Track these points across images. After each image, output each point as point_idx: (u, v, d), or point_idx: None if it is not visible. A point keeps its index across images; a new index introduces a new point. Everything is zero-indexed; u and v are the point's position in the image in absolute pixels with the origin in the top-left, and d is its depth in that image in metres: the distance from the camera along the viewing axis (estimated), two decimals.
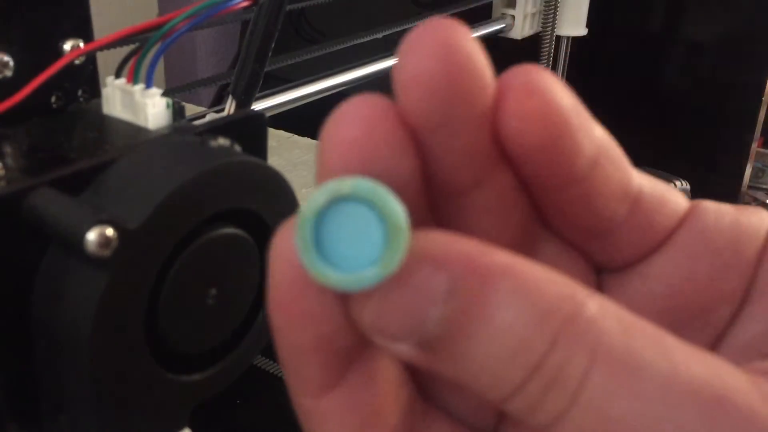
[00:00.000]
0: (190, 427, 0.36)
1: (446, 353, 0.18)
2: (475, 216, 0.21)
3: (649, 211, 0.22)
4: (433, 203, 0.21)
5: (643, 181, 0.22)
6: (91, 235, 0.29)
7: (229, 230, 0.34)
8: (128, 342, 0.32)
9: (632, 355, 0.17)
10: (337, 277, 0.18)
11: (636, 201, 0.22)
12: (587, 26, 1.05)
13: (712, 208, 0.22)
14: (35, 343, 0.32)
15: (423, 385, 0.22)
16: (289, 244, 0.19)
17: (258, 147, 0.38)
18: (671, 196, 0.23)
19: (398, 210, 0.17)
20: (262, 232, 0.35)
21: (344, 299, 0.19)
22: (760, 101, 1.19)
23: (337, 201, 0.18)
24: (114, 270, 0.30)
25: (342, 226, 0.18)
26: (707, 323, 0.22)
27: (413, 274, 0.17)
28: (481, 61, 0.18)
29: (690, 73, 1.28)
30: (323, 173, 0.19)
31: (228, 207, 0.34)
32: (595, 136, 0.20)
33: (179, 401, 0.35)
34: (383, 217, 0.18)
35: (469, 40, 0.18)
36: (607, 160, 0.20)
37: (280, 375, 0.41)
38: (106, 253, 0.29)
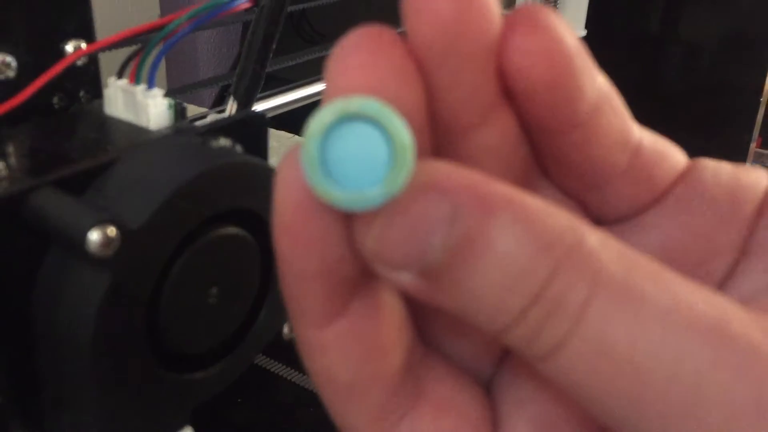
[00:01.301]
0: (192, 425, 0.36)
1: (447, 282, 0.18)
2: (476, 157, 0.21)
3: (648, 164, 0.22)
4: (437, 142, 0.21)
5: (643, 134, 0.22)
6: (93, 235, 0.29)
7: (231, 230, 0.34)
8: (130, 341, 0.32)
9: (633, 285, 0.17)
10: (340, 195, 0.18)
11: (636, 153, 0.22)
12: (586, 27, 1.05)
13: (710, 164, 0.23)
14: (37, 342, 0.32)
15: (423, 328, 0.23)
16: (295, 167, 0.18)
17: (259, 147, 0.38)
18: (671, 151, 0.23)
19: (404, 129, 0.17)
20: (262, 232, 0.35)
21: (349, 224, 0.19)
22: (759, 102, 1.19)
23: (344, 119, 0.18)
24: (116, 270, 0.30)
25: (348, 145, 0.18)
26: (705, 277, 0.22)
27: (416, 201, 0.17)
28: (495, 11, 0.19)
29: (689, 74, 1.27)
30: (330, 94, 0.18)
31: (229, 207, 0.34)
32: (598, 81, 0.20)
33: (181, 400, 0.35)
34: (389, 136, 0.17)
35: None
36: (608, 106, 0.20)
37: (281, 374, 0.41)
38: (108, 253, 0.29)
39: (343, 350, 0.20)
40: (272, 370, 0.41)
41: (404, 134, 0.17)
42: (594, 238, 0.18)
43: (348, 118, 0.18)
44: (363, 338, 0.20)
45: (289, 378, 0.30)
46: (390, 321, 0.21)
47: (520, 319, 0.18)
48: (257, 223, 0.35)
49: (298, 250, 0.19)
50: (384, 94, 0.18)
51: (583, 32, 1.04)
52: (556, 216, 0.18)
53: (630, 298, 0.17)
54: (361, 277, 0.20)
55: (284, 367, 0.34)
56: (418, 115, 0.19)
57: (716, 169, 0.22)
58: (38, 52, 0.37)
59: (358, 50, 0.18)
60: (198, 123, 0.37)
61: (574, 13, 1.02)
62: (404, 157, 0.17)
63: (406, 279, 0.18)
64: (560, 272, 0.17)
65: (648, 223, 0.22)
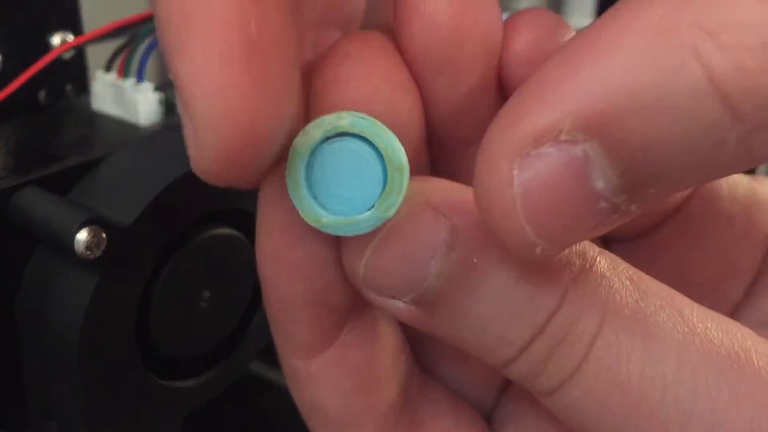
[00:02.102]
0: None
1: (446, 311, 0.17)
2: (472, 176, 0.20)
3: None
4: (433, 156, 0.20)
5: None
6: (80, 236, 0.28)
7: (223, 230, 0.34)
8: (118, 346, 0.31)
9: (645, 314, 0.16)
10: (328, 220, 0.17)
11: None
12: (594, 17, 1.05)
13: (724, 178, 0.22)
14: (23, 347, 0.32)
15: (421, 354, 0.22)
16: (280, 187, 0.17)
17: None
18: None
19: (398, 149, 0.16)
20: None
21: (337, 248, 0.18)
22: None
23: (333, 136, 0.17)
24: (103, 271, 0.29)
25: (336, 165, 0.17)
26: (722, 298, 0.21)
27: (411, 223, 0.17)
28: (494, 11, 0.18)
29: None
30: (317, 108, 0.17)
31: (222, 206, 0.33)
32: None
33: (171, 408, 0.34)
34: (382, 155, 0.16)
35: None
36: None
37: (276, 380, 0.40)
38: (96, 253, 0.29)
39: (333, 381, 0.19)
40: (266, 376, 0.41)
41: (399, 153, 0.16)
42: (604, 262, 0.17)
43: (337, 135, 0.17)
44: (354, 369, 0.19)
45: (283, 384, 0.30)
46: (385, 349, 0.20)
47: (525, 351, 0.17)
48: (251, 223, 0.34)
49: (284, 277, 0.18)
50: (377, 106, 0.17)
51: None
52: None
53: (642, 330, 0.16)
54: (352, 304, 0.19)
55: (279, 373, 0.33)
56: (413, 129, 0.18)
57: (731, 182, 0.22)
58: (23, 45, 0.36)
59: (348, 58, 0.18)
60: None
61: (581, 6, 1.02)
62: (398, 180, 0.16)
63: (400, 307, 0.17)
64: (568, 301, 0.16)
65: (660, 242, 0.22)
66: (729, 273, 0.21)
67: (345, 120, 0.16)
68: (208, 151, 0.15)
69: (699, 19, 0.14)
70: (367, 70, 0.17)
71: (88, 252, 0.28)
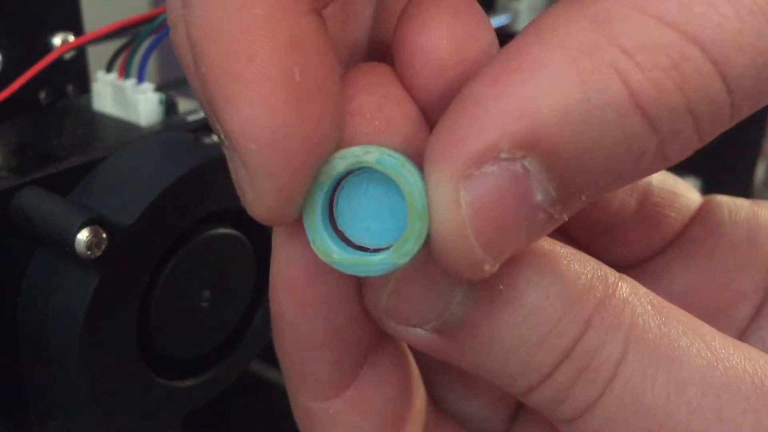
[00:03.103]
0: None
1: (468, 338, 0.17)
2: None
3: (659, 205, 0.21)
4: None
5: (652, 175, 0.21)
6: (81, 236, 0.28)
7: (224, 230, 0.34)
8: (119, 346, 0.31)
9: (669, 339, 0.16)
10: (340, 257, 0.16)
11: (645, 194, 0.21)
12: None
13: (726, 201, 0.22)
14: (24, 347, 0.32)
15: (430, 388, 0.21)
16: (300, 218, 0.17)
17: None
18: (682, 189, 0.22)
19: (422, 194, 0.16)
20: (257, 233, 0.34)
21: (359, 280, 0.18)
22: None
23: (355, 171, 0.16)
24: (104, 271, 0.29)
25: (356, 200, 0.16)
26: (728, 324, 0.21)
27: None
28: (491, 37, 0.18)
29: None
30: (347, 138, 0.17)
31: (222, 206, 0.33)
32: None
33: (171, 407, 0.34)
34: (405, 196, 0.16)
35: (477, 16, 0.17)
36: None
37: (276, 380, 0.40)
38: (96, 253, 0.29)
39: (355, 424, 0.19)
40: (266, 376, 0.41)
41: (422, 200, 0.16)
42: (626, 287, 0.17)
43: (359, 169, 0.16)
44: (376, 408, 0.19)
45: (283, 384, 0.30)
46: (404, 386, 0.19)
47: (548, 378, 0.17)
48: (251, 223, 0.34)
49: (305, 315, 0.18)
50: (394, 138, 0.17)
51: None
52: (585, 264, 0.17)
53: (666, 355, 0.16)
54: (372, 339, 0.18)
55: (279, 373, 0.33)
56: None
57: (732, 206, 0.22)
58: (24, 46, 0.36)
59: (360, 91, 0.17)
60: (190, 118, 0.36)
61: None
62: (417, 227, 0.16)
63: (420, 336, 0.17)
64: (593, 326, 0.16)
65: (663, 268, 0.22)
66: (734, 299, 0.21)
67: (372, 155, 0.16)
68: (267, 196, 0.16)
69: (617, 39, 0.14)
70: (382, 103, 0.17)
71: (89, 252, 0.28)
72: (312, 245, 0.16)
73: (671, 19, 0.14)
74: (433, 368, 0.21)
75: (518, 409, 0.22)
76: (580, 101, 0.14)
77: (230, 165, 0.17)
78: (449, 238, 0.15)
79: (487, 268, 0.15)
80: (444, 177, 0.15)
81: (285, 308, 0.18)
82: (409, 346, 0.20)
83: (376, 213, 0.16)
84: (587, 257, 0.17)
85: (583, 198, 0.15)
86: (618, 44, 0.14)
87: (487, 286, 0.16)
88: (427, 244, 0.16)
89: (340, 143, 0.17)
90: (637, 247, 0.22)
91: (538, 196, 0.15)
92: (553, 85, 0.14)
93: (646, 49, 0.14)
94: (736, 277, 0.21)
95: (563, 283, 0.16)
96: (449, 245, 0.15)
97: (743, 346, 0.17)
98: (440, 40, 0.17)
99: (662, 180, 0.22)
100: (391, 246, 0.16)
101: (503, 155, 0.15)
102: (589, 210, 0.20)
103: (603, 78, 0.14)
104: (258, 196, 0.16)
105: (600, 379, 0.16)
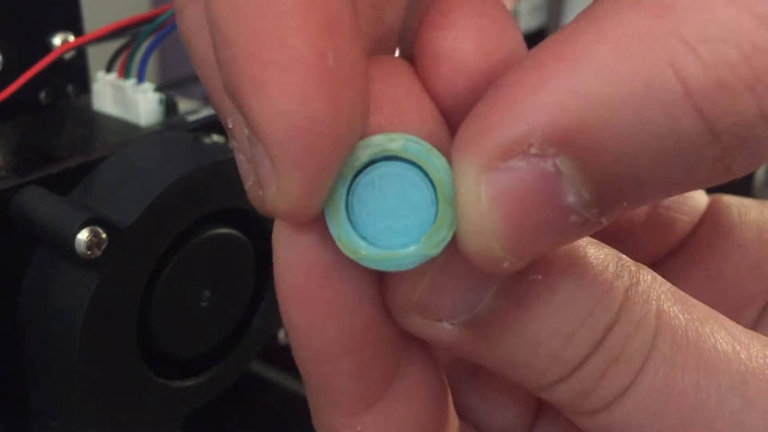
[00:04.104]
0: None
1: (498, 332, 0.16)
2: None
3: (669, 208, 0.21)
4: None
5: None
6: (81, 236, 0.28)
7: (224, 230, 0.33)
8: (119, 346, 0.31)
9: (694, 326, 0.16)
10: (368, 252, 0.15)
11: None
12: None
13: (734, 202, 0.22)
14: (23, 346, 0.32)
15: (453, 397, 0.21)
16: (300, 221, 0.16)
17: None
18: (691, 191, 0.22)
19: (451, 178, 0.15)
20: (257, 232, 0.35)
21: (375, 279, 0.16)
22: None
23: (380, 159, 0.15)
24: (104, 271, 0.29)
25: (381, 191, 0.15)
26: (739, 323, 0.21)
27: None
28: (518, 39, 0.17)
29: None
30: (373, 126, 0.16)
31: (222, 206, 0.33)
32: None
33: (171, 407, 0.34)
34: (433, 185, 0.15)
35: (503, 18, 0.17)
36: None
37: (276, 380, 0.40)
38: (97, 253, 0.29)
39: None
40: (266, 376, 0.41)
41: (451, 183, 0.15)
42: (648, 275, 0.17)
43: (383, 159, 0.15)
44: (410, 424, 0.17)
45: (284, 385, 0.30)
46: (438, 399, 0.18)
47: (578, 370, 0.16)
48: (252, 223, 0.34)
49: (318, 323, 0.16)
50: (412, 131, 0.16)
51: None
52: (606, 252, 0.17)
53: (693, 341, 0.16)
54: (399, 348, 0.17)
55: (279, 373, 0.33)
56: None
57: (741, 207, 0.21)
58: (24, 46, 0.36)
59: (377, 82, 0.16)
60: (190, 118, 0.36)
61: (581, 6, 1.01)
62: (449, 214, 0.15)
63: (447, 331, 0.16)
64: (623, 315, 0.16)
65: (674, 271, 0.21)
66: (744, 301, 0.21)
67: (396, 143, 0.15)
68: (294, 189, 0.15)
69: (677, 29, 0.13)
70: (398, 96, 0.16)
71: (89, 252, 0.28)
72: (337, 242, 0.15)
73: (746, 2, 0.13)
74: (456, 376, 0.21)
75: (537, 413, 0.21)
76: (626, 98, 0.13)
77: (246, 158, 0.16)
78: (468, 230, 0.14)
79: (506, 265, 0.14)
80: (468, 166, 0.14)
81: (295, 316, 0.17)
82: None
83: (396, 211, 0.15)
84: (603, 245, 0.17)
85: (626, 204, 0.14)
86: (678, 34, 0.13)
87: (522, 278, 0.16)
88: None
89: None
90: (648, 251, 0.21)
91: (570, 198, 0.14)
92: (597, 78, 0.13)
93: (710, 39, 0.13)
94: (747, 278, 0.21)
95: (594, 272, 0.16)
96: (468, 238, 0.14)
97: (758, 335, 0.17)
98: (466, 45, 0.16)
99: None
100: (422, 238, 0.15)
101: (533, 150, 0.14)
102: None
103: (656, 73, 0.13)
104: (283, 189, 0.15)
105: (631, 368, 0.16)
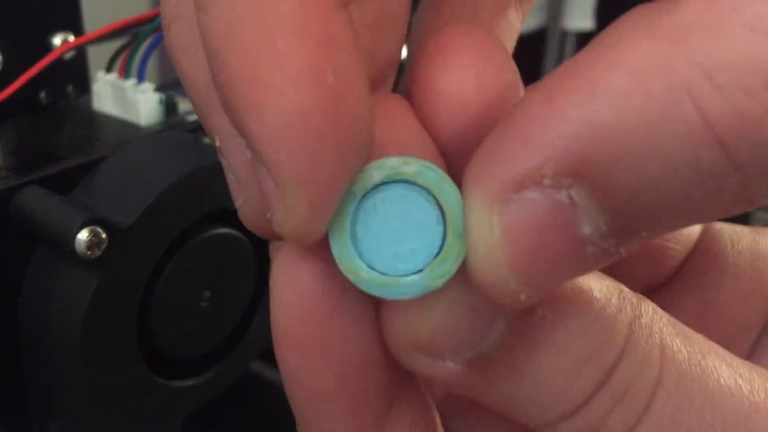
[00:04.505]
0: None
1: (502, 369, 0.16)
2: None
3: (663, 238, 0.21)
4: None
5: None
6: (81, 236, 0.28)
7: (224, 230, 0.33)
8: (119, 346, 0.31)
9: (696, 360, 0.16)
10: (368, 275, 0.15)
11: None
12: (594, 20, 1.04)
13: (727, 230, 0.21)
14: (23, 346, 0.32)
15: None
16: (298, 262, 0.16)
17: None
18: None
19: (462, 209, 0.15)
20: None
21: (372, 319, 0.16)
22: None
23: (391, 182, 0.15)
24: (104, 271, 0.29)
25: (388, 215, 0.15)
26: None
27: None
28: (515, 77, 0.17)
29: None
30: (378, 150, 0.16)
31: (222, 206, 0.33)
32: None
33: (171, 407, 0.34)
34: (443, 213, 0.15)
35: (501, 53, 0.16)
36: None
37: (275, 381, 0.40)
38: (97, 253, 0.29)
39: None
40: (266, 376, 0.41)
41: (461, 215, 0.15)
42: (649, 307, 0.16)
43: (394, 182, 0.15)
44: None
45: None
46: None
47: (583, 407, 0.16)
48: None
49: (313, 367, 0.16)
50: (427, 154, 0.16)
51: (591, 25, 1.04)
52: (608, 284, 0.16)
53: (697, 375, 0.16)
54: (392, 390, 0.17)
55: (279, 373, 0.33)
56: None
57: (734, 235, 0.21)
58: (24, 45, 0.36)
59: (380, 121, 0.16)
60: (190, 118, 0.36)
61: (581, 6, 1.01)
62: (457, 247, 0.15)
63: (450, 369, 0.16)
64: (628, 351, 0.16)
65: (667, 301, 0.21)
66: (735, 331, 0.20)
67: (411, 167, 0.15)
68: (300, 210, 0.14)
69: (694, 56, 0.12)
70: (397, 131, 0.16)
71: (89, 252, 0.28)
72: (338, 262, 0.15)
73: (766, 27, 0.12)
74: (448, 413, 0.20)
75: None
76: (642, 129, 0.13)
77: (235, 178, 0.16)
78: (481, 264, 0.14)
79: (523, 297, 0.14)
80: (480, 197, 0.14)
81: (289, 358, 0.16)
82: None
83: (402, 237, 0.15)
84: (603, 276, 0.16)
85: (644, 234, 0.14)
86: (695, 61, 0.12)
87: (528, 314, 0.15)
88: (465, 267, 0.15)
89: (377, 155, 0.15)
90: (641, 279, 0.21)
91: (586, 230, 0.14)
92: (611, 108, 0.13)
93: (729, 66, 0.12)
94: (740, 308, 0.21)
95: (598, 306, 0.16)
96: (481, 271, 0.14)
97: (756, 367, 0.16)
98: (464, 83, 0.16)
99: None
100: (425, 268, 0.15)
101: (547, 181, 0.13)
102: None
103: (673, 103, 0.12)
104: (289, 211, 0.14)
105: (638, 405, 0.15)
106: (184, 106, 0.37)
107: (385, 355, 0.17)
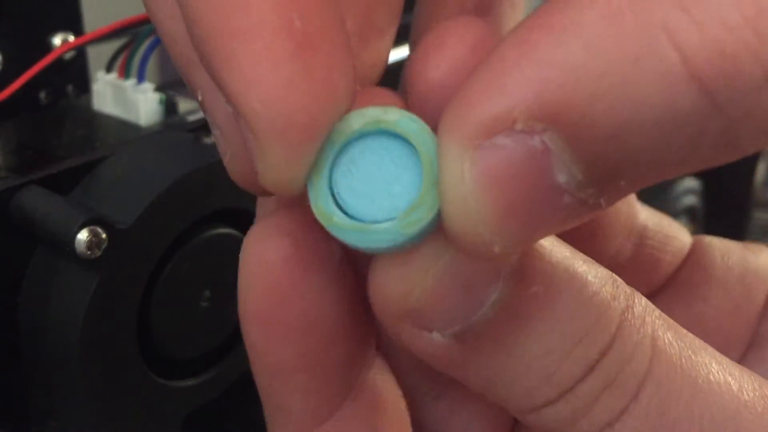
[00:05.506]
0: None
1: (489, 345, 0.15)
2: None
3: (654, 248, 0.21)
4: None
5: (648, 216, 0.21)
6: (81, 236, 0.28)
7: (224, 230, 0.33)
8: (119, 346, 0.31)
9: (687, 354, 0.16)
10: (341, 221, 0.15)
11: (641, 237, 0.20)
12: None
13: (717, 244, 0.21)
14: (23, 346, 0.31)
15: (419, 421, 0.20)
16: (265, 238, 0.16)
17: None
18: (676, 232, 0.21)
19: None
20: None
21: (336, 296, 0.16)
22: None
23: (372, 132, 0.15)
24: (104, 271, 0.29)
25: (367, 163, 0.15)
26: None
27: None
28: None
29: None
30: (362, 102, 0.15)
31: (222, 206, 0.33)
32: None
33: (171, 407, 0.34)
34: (422, 162, 0.14)
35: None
36: None
37: None
38: (97, 253, 0.29)
39: None
40: None
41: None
42: (642, 299, 0.16)
43: (377, 131, 0.15)
44: None
45: None
46: (390, 420, 0.18)
47: (569, 392, 0.15)
48: (252, 222, 0.34)
49: (274, 341, 0.16)
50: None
51: None
52: (603, 271, 0.16)
53: (687, 368, 0.15)
54: (353, 366, 0.17)
55: None
56: None
57: (723, 249, 0.21)
58: (24, 45, 0.36)
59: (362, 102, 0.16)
60: (190, 117, 0.36)
61: None
62: (431, 194, 0.14)
63: (436, 342, 0.15)
64: (620, 337, 0.15)
65: None
66: (723, 345, 0.20)
67: (392, 115, 0.15)
68: (277, 160, 0.14)
69: None
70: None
71: (89, 252, 0.28)
72: (313, 207, 0.15)
73: None
74: (421, 397, 0.20)
75: None
76: (618, 69, 0.12)
77: (221, 133, 0.16)
78: (453, 213, 0.13)
79: (497, 250, 0.13)
80: (450, 145, 0.13)
81: (252, 334, 0.16)
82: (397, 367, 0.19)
83: (380, 187, 0.15)
84: (598, 264, 0.16)
85: (623, 183, 0.13)
86: None
87: (522, 289, 0.15)
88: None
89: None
90: None
91: (561, 178, 0.13)
92: (585, 49, 0.12)
93: (707, 0, 0.12)
94: (728, 322, 0.21)
95: (592, 290, 0.15)
96: (453, 221, 0.14)
97: (746, 369, 0.16)
98: (459, 76, 0.15)
99: (657, 222, 0.21)
100: (396, 217, 0.14)
101: (519, 126, 0.13)
102: (586, 253, 0.18)
103: (648, 40, 0.12)
104: (267, 160, 0.14)
105: (626, 393, 0.15)
106: (184, 106, 0.37)
107: (347, 334, 0.16)
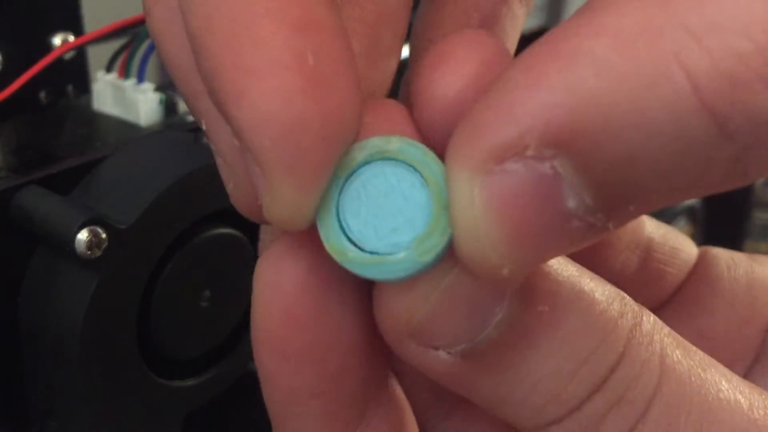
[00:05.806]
0: None
1: (496, 364, 0.15)
2: None
3: (660, 262, 0.21)
4: None
5: (654, 229, 0.20)
6: (81, 236, 0.28)
7: (224, 230, 0.33)
8: (119, 346, 0.31)
9: (696, 372, 0.15)
10: (355, 255, 0.15)
11: (647, 251, 0.20)
12: None
13: (723, 256, 0.21)
14: (23, 346, 0.31)
15: None
16: (281, 262, 0.16)
17: None
18: (682, 244, 0.21)
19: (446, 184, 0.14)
20: (257, 232, 0.34)
21: (354, 321, 0.16)
22: None
23: (376, 162, 0.15)
24: (104, 271, 0.29)
25: (374, 194, 0.15)
26: None
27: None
28: None
29: None
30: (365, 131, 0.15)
31: (222, 206, 0.33)
32: None
33: (171, 407, 0.34)
34: (429, 188, 0.14)
35: (505, 60, 0.16)
36: None
37: None
38: (97, 253, 0.29)
39: None
40: None
41: (446, 189, 0.14)
42: (650, 316, 0.16)
43: (378, 161, 0.15)
44: None
45: None
46: None
47: (576, 411, 0.15)
48: (251, 222, 0.34)
49: (290, 368, 0.16)
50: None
51: None
52: (609, 289, 0.16)
53: (696, 387, 0.15)
54: (368, 391, 0.17)
55: None
56: None
57: (730, 262, 0.21)
58: (24, 45, 0.36)
59: (367, 127, 0.16)
60: (190, 118, 0.36)
61: (581, 5, 1.01)
62: (443, 220, 0.14)
63: (442, 360, 0.15)
64: (628, 355, 0.15)
65: None
66: (729, 358, 0.20)
67: (393, 144, 0.15)
68: (286, 197, 0.14)
69: (682, 19, 0.12)
70: (390, 127, 0.16)
71: (89, 252, 0.28)
72: (325, 244, 0.15)
73: None
74: (432, 416, 0.19)
75: None
76: (628, 96, 0.12)
77: (224, 162, 0.16)
78: (463, 237, 0.14)
79: (505, 272, 0.13)
80: (460, 169, 0.13)
81: (266, 360, 0.16)
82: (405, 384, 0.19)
83: (389, 216, 0.15)
84: (605, 281, 0.16)
85: (632, 208, 0.13)
86: (683, 25, 0.12)
87: (529, 308, 0.15)
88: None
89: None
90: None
91: (571, 203, 0.13)
92: (596, 75, 0.12)
93: (718, 29, 0.12)
94: (735, 335, 0.20)
95: (599, 308, 0.15)
96: (463, 245, 0.14)
97: (755, 386, 0.16)
98: (465, 92, 0.15)
99: (663, 234, 0.21)
100: (412, 244, 0.14)
101: (529, 152, 0.13)
102: (590, 268, 0.18)
103: (659, 68, 0.12)
104: (276, 197, 0.14)
105: (634, 411, 0.15)
106: (184, 106, 0.37)
107: (362, 358, 0.16)
